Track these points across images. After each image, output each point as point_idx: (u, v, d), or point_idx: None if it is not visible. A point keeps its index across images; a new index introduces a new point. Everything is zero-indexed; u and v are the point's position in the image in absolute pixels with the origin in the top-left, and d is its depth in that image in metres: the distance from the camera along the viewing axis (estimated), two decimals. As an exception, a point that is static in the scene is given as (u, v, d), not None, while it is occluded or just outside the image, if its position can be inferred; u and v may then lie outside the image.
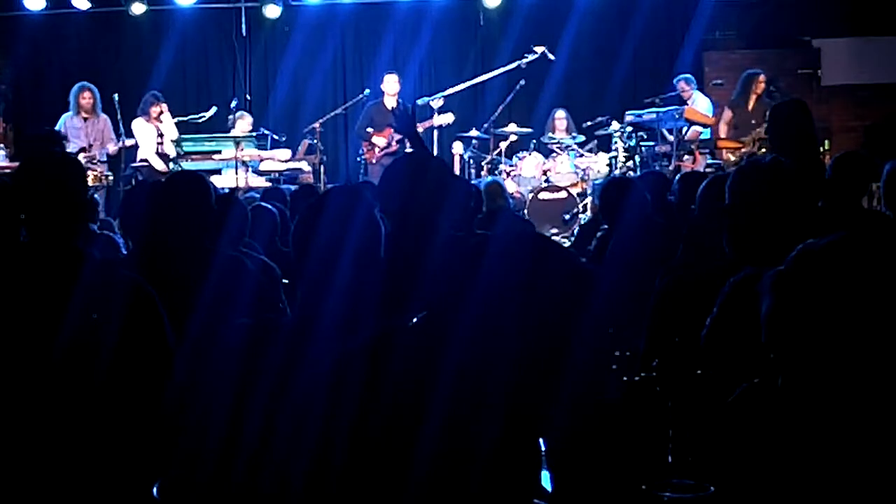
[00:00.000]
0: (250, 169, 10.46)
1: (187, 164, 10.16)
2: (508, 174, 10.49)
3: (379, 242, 2.30)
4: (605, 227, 5.23)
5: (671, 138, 10.24)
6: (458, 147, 10.90)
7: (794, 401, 1.82)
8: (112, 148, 10.04)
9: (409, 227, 3.01)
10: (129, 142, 10.00)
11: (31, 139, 6.38)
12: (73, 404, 2.61)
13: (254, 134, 10.98)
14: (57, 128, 9.91)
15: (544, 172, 10.64)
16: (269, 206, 5.36)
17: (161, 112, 10.08)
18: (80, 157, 8.50)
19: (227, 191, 6.13)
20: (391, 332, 2.21)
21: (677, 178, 5.28)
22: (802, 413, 1.81)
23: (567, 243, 7.29)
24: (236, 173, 10.12)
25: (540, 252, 3.03)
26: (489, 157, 10.77)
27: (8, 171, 9.17)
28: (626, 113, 10.70)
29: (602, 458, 3.01)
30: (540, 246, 3.13)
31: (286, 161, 10.77)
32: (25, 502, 2.62)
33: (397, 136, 10.39)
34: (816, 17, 12.28)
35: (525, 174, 10.57)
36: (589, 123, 10.94)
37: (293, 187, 8.19)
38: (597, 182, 10.04)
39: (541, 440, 2.97)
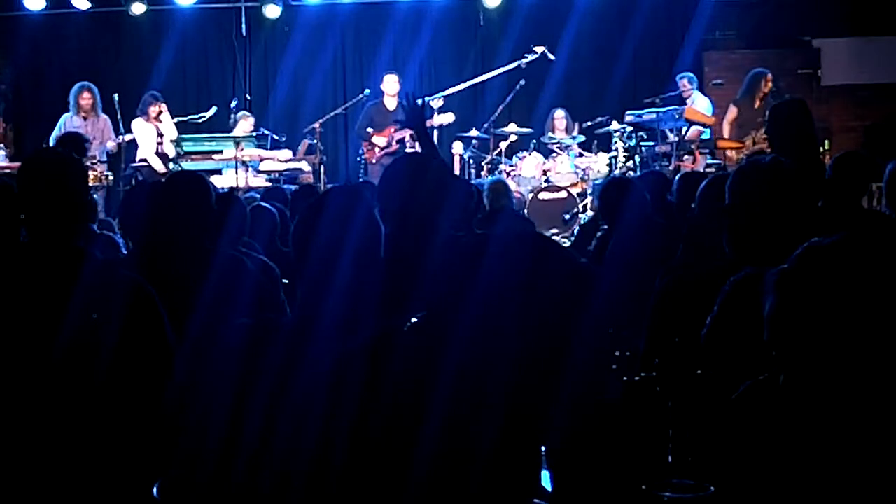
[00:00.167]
0: (250, 169, 10.46)
1: (187, 164, 10.16)
2: (508, 174, 10.49)
3: (379, 242, 2.30)
4: (605, 227, 5.23)
5: (673, 138, 10.24)
6: (458, 147, 10.90)
7: (796, 399, 1.82)
8: (111, 145, 10.04)
9: (409, 227, 3.01)
10: (127, 137, 10.00)
11: (58, 141, 6.40)
12: (73, 404, 2.61)
13: (254, 134, 10.99)
14: (57, 128, 9.93)
15: (544, 172, 10.64)
16: (269, 206, 5.36)
17: (160, 112, 10.08)
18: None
19: (225, 190, 6.11)
20: (391, 332, 2.21)
21: (677, 178, 5.27)
22: (805, 411, 1.81)
23: (567, 243, 7.29)
24: (236, 173, 10.12)
25: (540, 252, 3.03)
26: (489, 157, 10.77)
27: (8, 171, 9.18)
28: (626, 113, 10.71)
29: (602, 458, 3.01)
30: (540, 245, 3.13)
31: (286, 161, 10.78)
32: (25, 502, 2.62)
33: (397, 136, 10.39)
34: (816, 17, 12.28)
35: (525, 174, 10.57)
36: (589, 123, 10.95)
37: (293, 187, 8.19)
38: (597, 182, 10.04)
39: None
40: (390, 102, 10.58)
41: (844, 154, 5.04)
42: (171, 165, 9.86)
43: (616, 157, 10.50)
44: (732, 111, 10.11)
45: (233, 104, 11.31)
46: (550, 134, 11.13)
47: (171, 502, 2.36)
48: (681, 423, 2.75)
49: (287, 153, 10.93)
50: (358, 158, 10.89)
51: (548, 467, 3.12)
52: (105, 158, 9.98)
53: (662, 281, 3.45)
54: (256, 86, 12.67)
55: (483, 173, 10.63)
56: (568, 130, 11.18)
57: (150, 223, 3.74)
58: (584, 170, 10.64)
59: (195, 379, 2.43)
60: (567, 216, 9.95)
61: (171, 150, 10.10)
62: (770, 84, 10.00)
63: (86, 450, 2.61)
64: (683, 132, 10.34)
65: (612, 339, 2.88)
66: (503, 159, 10.80)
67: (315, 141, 10.69)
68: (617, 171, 10.27)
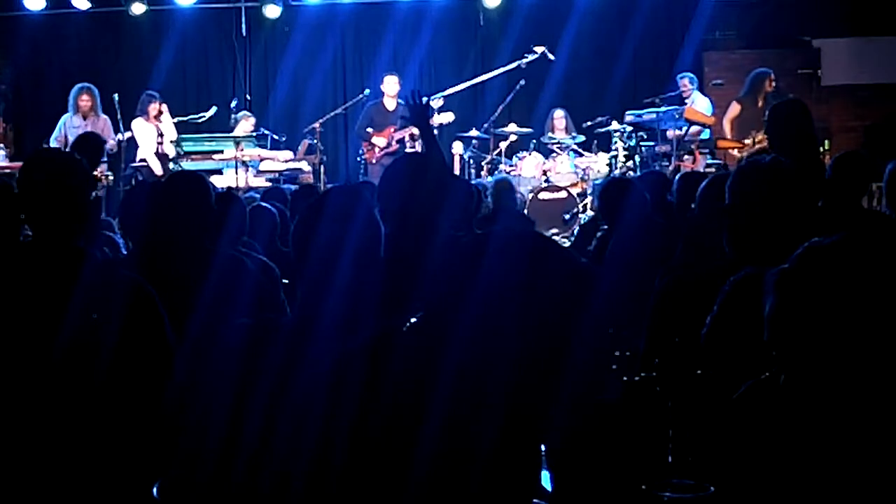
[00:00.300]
0: (250, 169, 10.46)
1: (187, 164, 10.16)
2: (508, 174, 10.49)
3: (379, 242, 2.30)
4: (605, 227, 5.23)
5: (678, 133, 10.23)
6: (458, 147, 10.90)
7: (796, 399, 1.82)
8: (111, 144, 10.03)
9: (409, 227, 3.02)
10: (126, 134, 10.00)
11: (77, 143, 6.41)
12: (73, 404, 2.61)
13: (254, 134, 10.99)
14: (57, 128, 9.92)
15: (544, 172, 10.64)
16: (269, 206, 5.36)
17: (160, 111, 10.08)
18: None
19: (223, 189, 6.11)
20: (391, 332, 2.21)
21: (677, 178, 5.27)
22: (805, 411, 1.81)
23: (567, 243, 7.29)
24: (236, 173, 10.12)
25: (540, 251, 3.03)
26: (489, 157, 10.78)
27: (8, 171, 9.18)
28: (626, 113, 10.71)
29: (602, 458, 3.01)
30: (540, 245, 3.13)
31: (286, 161, 10.78)
32: (26, 502, 2.62)
33: (397, 136, 10.40)
34: (816, 17, 12.28)
35: (525, 174, 10.57)
36: (589, 123, 10.95)
37: (293, 187, 8.19)
38: (597, 182, 10.04)
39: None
40: (390, 103, 10.58)
41: (844, 154, 5.04)
42: (172, 165, 9.86)
43: (616, 157, 10.50)
44: (735, 108, 10.07)
45: (233, 104, 11.31)
46: (550, 134, 11.13)
47: (171, 502, 2.36)
48: (681, 423, 2.75)
49: (287, 154, 10.93)
50: (358, 158, 10.89)
51: (548, 467, 3.12)
52: (105, 158, 9.97)
53: (662, 281, 3.45)
54: (256, 86, 12.67)
55: (483, 173, 10.63)
56: (568, 130, 11.18)
57: (150, 223, 3.74)
58: (584, 170, 10.64)
59: (195, 379, 2.43)
60: (567, 216, 9.95)
61: (171, 151, 10.09)
62: (773, 84, 9.99)
63: (86, 450, 2.61)
64: (683, 132, 10.34)
65: (612, 339, 2.88)
66: (503, 159, 10.80)
67: (315, 141, 10.69)
68: (617, 171, 10.27)
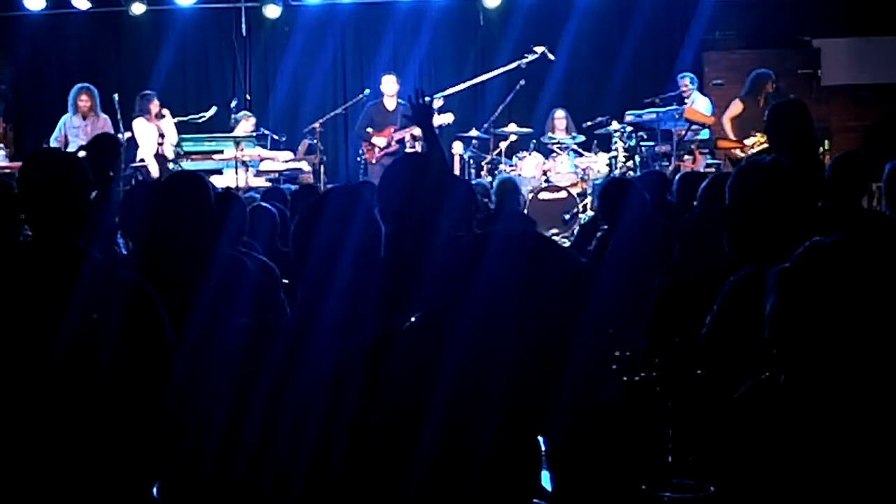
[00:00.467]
0: (250, 169, 10.46)
1: (187, 164, 10.16)
2: (509, 174, 10.50)
3: (379, 242, 2.30)
4: (605, 227, 5.23)
5: (681, 131, 10.22)
6: (458, 147, 10.90)
7: (797, 399, 1.82)
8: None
9: (409, 227, 3.01)
10: (127, 134, 9.99)
11: (93, 143, 6.41)
12: (73, 404, 2.61)
13: (254, 134, 10.99)
14: (57, 128, 9.92)
15: (544, 172, 10.64)
16: (269, 206, 5.36)
17: (159, 110, 10.08)
18: (80, 156, 8.49)
19: (223, 190, 6.10)
20: (391, 332, 2.21)
21: (677, 178, 5.28)
22: (806, 411, 1.81)
23: (567, 243, 7.29)
24: (236, 173, 10.12)
25: (540, 251, 3.03)
26: (489, 157, 10.77)
27: (8, 171, 9.18)
28: (626, 113, 10.71)
29: (602, 458, 3.01)
30: (540, 245, 3.13)
31: (286, 161, 10.78)
32: (25, 502, 2.62)
33: (397, 136, 10.40)
34: (816, 17, 12.28)
35: (525, 174, 10.57)
36: (589, 123, 10.95)
37: (293, 187, 8.19)
38: (597, 182, 10.04)
39: (541, 440, 2.96)
40: (390, 103, 10.58)
41: (844, 154, 5.04)
42: (171, 166, 9.85)
43: (616, 157, 10.50)
44: (738, 107, 10.00)
45: (233, 104, 11.31)
46: (550, 134, 11.13)
47: (171, 502, 2.36)
48: (681, 423, 2.75)
49: (288, 154, 10.94)
50: (358, 158, 10.89)
51: (548, 467, 3.12)
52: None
53: (662, 281, 3.45)
54: (256, 86, 12.67)
55: (483, 173, 10.63)
56: (568, 130, 11.18)
57: (150, 223, 3.74)
58: (584, 170, 10.64)
59: (195, 379, 2.43)
60: (567, 216, 9.96)
61: (170, 152, 10.09)
62: (773, 86, 9.98)
63: (86, 450, 2.61)
64: (684, 132, 10.34)
65: (612, 339, 2.88)
66: (503, 159, 10.80)
67: (315, 141, 10.69)
68: (617, 171, 10.27)
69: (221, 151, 10.70)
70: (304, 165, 10.87)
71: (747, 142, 9.55)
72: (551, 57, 10.91)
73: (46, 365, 2.59)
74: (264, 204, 5.51)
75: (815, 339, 1.78)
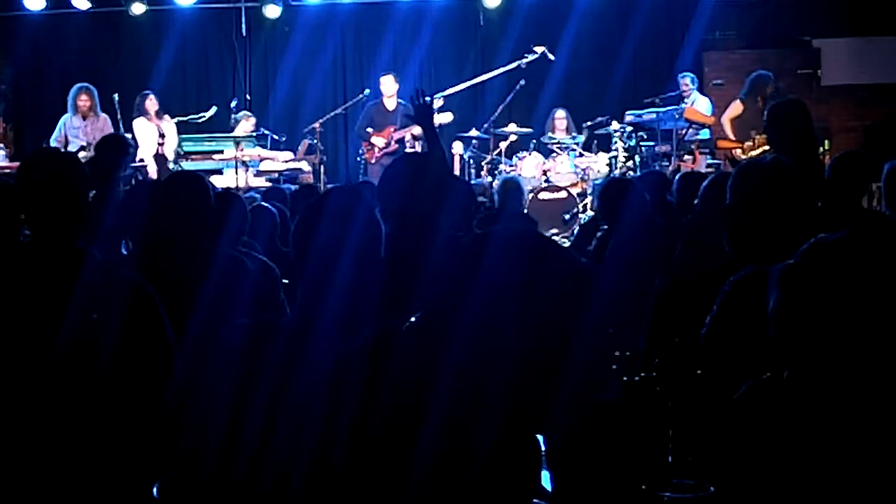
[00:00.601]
0: (250, 169, 10.46)
1: (187, 164, 10.16)
2: (509, 174, 10.50)
3: (379, 242, 2.30)
4: (605, 227, 5.23)
5: (681, 131, 10.22)
6: (458, 147, 10.90)
7: (799, 398, 1.82)
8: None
9: (410, 227, 3.01)
10: (127, 135, 9.99)
11: (103, 143, 6.42)
12: (73, 404, 2.61)
13: (254, 134, 10.99)
14: (57, 129, 9.92)
15: (544, 172, 10.64)
16: (269, 206, 5.36)
17: (157, 109, 10.08)
18: (80, 155, 8.50)
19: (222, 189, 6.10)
20: (391, 332, 2.21)
21: (677, 178, 5.28)
22: (808, 410, 1.81)
23: (567, 243, 7.29)
24: (236, 173, 10.12)
25: (540, 251, 3.03)
26: (489, 157, 10.77)
27: (8, 171, 9.17)
28: (626, 113, 10.71)
29: (602, 457, 3.01)
30: (540, 245, 3.13)
31: (286, 161, 10.79)
32: (25, 502, 2.62)
33: (396, 136, 10.40)
34: (816, 17, 12.28)
35: (525, 174, 10.57)
36: (589, 123, 10.95)
37: (293, 187, 8.19)
38: (597, 182, 10.04)
39: (541, 440, 2.97)
40: (390, 103, 10.59)
41: (844, 154, 5.04)
42: (172, 166, 9.85)
43: (616, 157, 10.50)
44: (738, 108, 9.95)
45: (233, 104, 11.31)
46: (550, 134, 11.13)
47: (171, 502, 2.36)
48: (681, 423, 2.75)
49: (287, 154, 10.94)
50: (358, 158, 10.89)
51: (548, 467, 3.12)
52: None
53: (662, 281, 3.45)
54: (256, 86, 12.67)
55: (483, 173, 10.63)
56: (569, 130, 11.18)
57: (150, 223, 3.74)
58: (584, 170, 10.64)
59: (195, 379, 2.43)
60: (567, 216, 9.95)
61: (170, 153, 10.09)
62: (773, 88, 9.94)
63: (86, 450, 2.61)
64: (684, 132, 10.34)
65: (612, 339, 2.88)
66: (503, 159, 10.80)
67: (315, 141, 10.69)
68: (617, 171, 10.27)
69: (221, 151, 10.70)
70: (304, 165, 10.86)
71: (748, 143, 9.53)
72: (551, 57, 10.91)
73: (46, 365, 2.59)
74: (264, 204, 5.51)
75: (818, 336, 1.78)
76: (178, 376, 2.71)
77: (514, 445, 2.51)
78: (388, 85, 10.57)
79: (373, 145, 10.50)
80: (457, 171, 10.54)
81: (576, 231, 8.44)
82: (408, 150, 10.13)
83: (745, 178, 2.93)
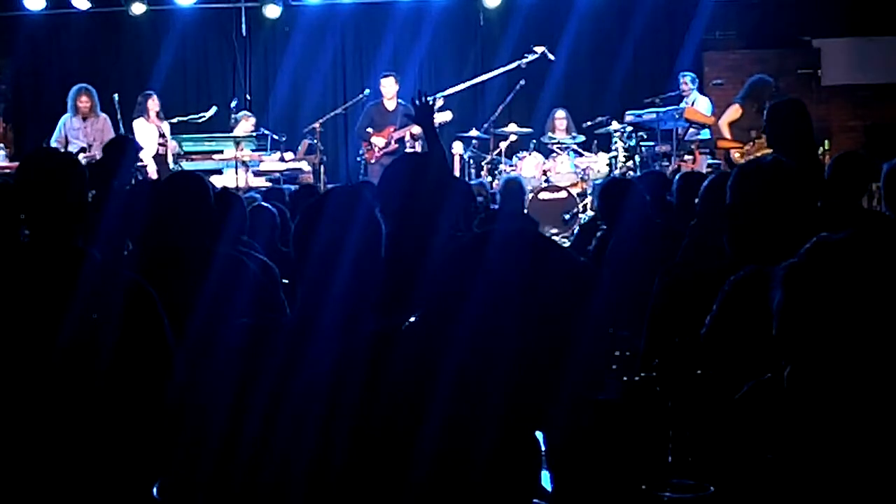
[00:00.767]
0: (250, 169, 10.46)
1: (187, 164, 10.16)
2: (509, 174, 10.49)
3: (379, 242, 2.30)
4: (605, 227, 5.23)
5: (681, 131, 10.22)
6: (458, 147, 10.91)
7: (801, 395, 1.82)
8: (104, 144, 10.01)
9: (410, 227, 3.01)
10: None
11: (108, 145, 6.43)
12: (73, 404, 2.61)
13: (254, 134, 10.99)
14: (57, 129, 9.92)
15: (544, 172, 10.64)
16: (269, 206, 5.36)
17: (158, 111, 10.08)
18: (81, 156, 8.50)
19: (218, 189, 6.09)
20: (391, 332, 2.21)
21: (677, 178, 5.28)
22: (810, 410, 1.80)
23: (567, 243, 7.29)
24: (236, 173, 10.12)
25: (540, 250, 3.03)
26: (489, 157, 10.78)
27: (8, 171, 9.17)
28: (626, 113, 10.71)
29: (602, 457, 3.01)
30: (540, 244, 3.13)
31: (286, 161, 10.79)
32: (26, 502, 2.62)
33: (396, 136, 10.40)
34: (816, 17, 12.28)
35: (525, 174, 10.57)
36: (589, 123, 10.95)
37: (293, 187, 8.19)
38: (597, 182, 10.04)
39: (541, 440, 2.97)
40: (390, 103, 10.59)
41: (844, 154, 5.04)
42: (172, 166, 9.85)
43: (616, 157, 10.50)
44: (736, 111, 9.93)
45: (233, 104, 11.32)
46: (550, 134, 11.13)
47: (171, 502, 2.36)
48: (681, 423, 2.75)
49: (289, 155, 10.95)
50: (358, 158, 10.89)
51: (548, 467, 3.12)
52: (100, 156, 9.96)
53: (662, 281, 3.45)
54: (256, 86, 12.67)
55: (483, 173, 10.64)
56: (569, 130, 11.18)
57: (151, 223, 3.74)
58: (584, 170, 10.65)
59: (195, 379, 2.43)
60: (567, 216, 9.96)
61: (170, 154, 10.10)
62: (772, 95, 9.89)
63: (86, 450, 2.61)
64: (684, 132, 10.34)
65: (612, 339, 2.88)
66: (503, 159, 10.80)
67: (315, 141, 10.69)
68: (617, 171, 10.27)
69: (221, 151, 10.70)
70: (304, 165, 10.87)
71: (749, 145, 9.52)
72: (551, 57, 10.92)
73: (46, 365, 2.59)
74: (264, 204, 5.51)
75: (821, 334, 1.77)
76: (178, 376, 2.71)
77: (513, 445, 2.51)
78: (389, 86, 10.58)
79: (373, 145, 10.50)
80: (457, 171, 10.54)
81: (576, 231, 8.44)
82: (408, 149, 10.13)
83: (746, 179, 2.93)
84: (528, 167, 10.64)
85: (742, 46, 12.69)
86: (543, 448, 3.00)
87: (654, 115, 10.42)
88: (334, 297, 2.19)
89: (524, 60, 10.84)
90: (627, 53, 11.97)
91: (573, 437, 2.99)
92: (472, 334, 2.37)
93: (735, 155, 9.62)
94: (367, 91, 11.19)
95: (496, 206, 7.68)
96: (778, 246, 2.52)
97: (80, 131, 9.86)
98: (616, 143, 10.55)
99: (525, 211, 9.71)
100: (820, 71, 12.45)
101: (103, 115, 10.08)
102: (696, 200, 4.10)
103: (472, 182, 9.09)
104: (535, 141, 10.93)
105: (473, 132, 10.92)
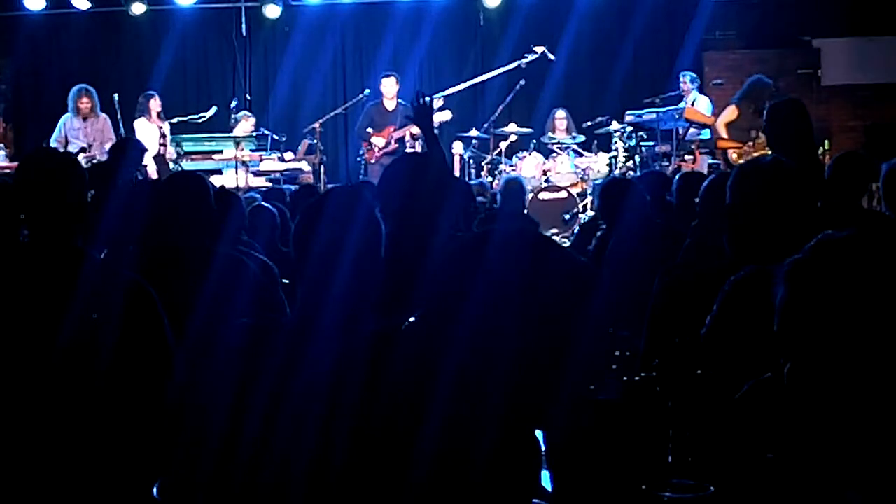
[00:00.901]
0: (250, 169, 10.46)
1: (187, 164, 10.16)
2: (509, 174, 10.49)
3: (379, 242, 2.30)
4: (605, 227, 5.23)
5: (681, 130, 10.23)
6: (458, 147, 10.91)
7: (801, 393, 1.82)
8: (109, 145, 10.02)
9: (410, 227, 3.01)
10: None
11: (114, 146, 6.44)
12: (73, 404, 2.61)
13: (254, 134, 10.99)
14: (57, 129, 9.91)
15: (544, 172, 10.64)
16: (269, 206, 5.37)
17: (160, 111, 10.08)
18: (80, 157, 8.50)
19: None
20: (391, 332, 2.21)
21: (677, 178, 5.28)
22: (811, 407, 1.80)
23: (567, 243, 7.29)
24: (236, 173, 10.12)
25: (540, 249, 3.03)
26: (489, 157, 10.78)
27: (8, 171, 9.17)
28: (626, 113, 10.71)
29: (602, 457, 3.01)
30: (540, 244, 3.13)
31: (286, 161, 10.79)
32: (26, 502, 2.62)
33: (396, 136, 10.40)
34: (816, 17, 12.29)
35: (525, 174, 10.57)
36: (589, 123, 10.95)
37: (293, 187, 8.20)
38: (597, 182, 10.05)
39: (541, 440, 2.97)
40: (390, 103, 10.59)
41: (844, 154, 5.04)
42: (172, 166, 9.85)
43: (616, 157, 10.50)
44: (732, 112, 9.94)
45: (233, 104, 11.32)
46: (550, 134, 11.14)
47: (171, 502, 2.36)
48: (681, 423, 2.75)
49: (289, 155, 10.95)
50: (358, 158, 10.89)
51: (548, 467, 3.12)
52: (105, 158, 9.95)
53: (662, 281, 3.45)
54: (256, 86, 12.68)
55: (483, 173, 10.64)
56: (569, 130, 11.19)
57: (151, 223, 3.74)
58: (584, 170, 10.65)
59: (195, 379, 2.43)
60: (567, 216, 9.96)
61: (171, 154, 10.09)
62: (771, 96, 9.89)
63: (86, 450, 2.61)
64: (683, 133, 10.34)
65: (612, 339, 2.88)
66: (503, 159, 10.81)
67: (315, 141, 10.69)
68: (617, 171, 10.28)
69: (221, 151, 10.70)
70: (304, 165, 10.87)
71: (749, 144, 9.52)
72: (551, 57, 10.92)
73: (46, 365, 2.59)
74: (264, 204, 5.51)
75: (823, 331, 1.77)
76: (179, 376, 2.71)
77: (513, 445, 2.51)
78: (390, 87, 10.58)
79: (373, 145, 10.50)
80: (457, 172, 10.54)
81: (576, 231, 8.44)
82: (408, 149, 10.13)
83: (745, 179, 2.93)
84: (528, 167, 10.64)
85: (742, 46, 12.69)
86: (543, 448, 3.00)
87: (654, 115, 10.43)
88: (334, 297, 2.19)
89: (524, 60, 10.84)
90: (627, 53, 11.97)
91: (573, 437, 2.99)
92: (472, 334, 2.37)
93: (733, 155, 9.62)
94: (367, 91, 11.19)
95: (497, 206, 7.68)
96: (778, 246, 2.52)
97: (80, 131, 9.86)
98: (616, 143, 10.55)
99: (525, 211, 9.73)
100: (820, 71, 12.45)
101: (103, 116, 10.08)
102: (697, 200, 4.10)
103: (473, 182, 9.10)
104: (535, 141, 10.93)
105: (473, 132, 10.92)
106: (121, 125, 10.01)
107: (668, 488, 2.54)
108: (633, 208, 4.74)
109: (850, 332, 1.75)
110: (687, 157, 10.16)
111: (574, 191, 10.27)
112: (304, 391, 2.10)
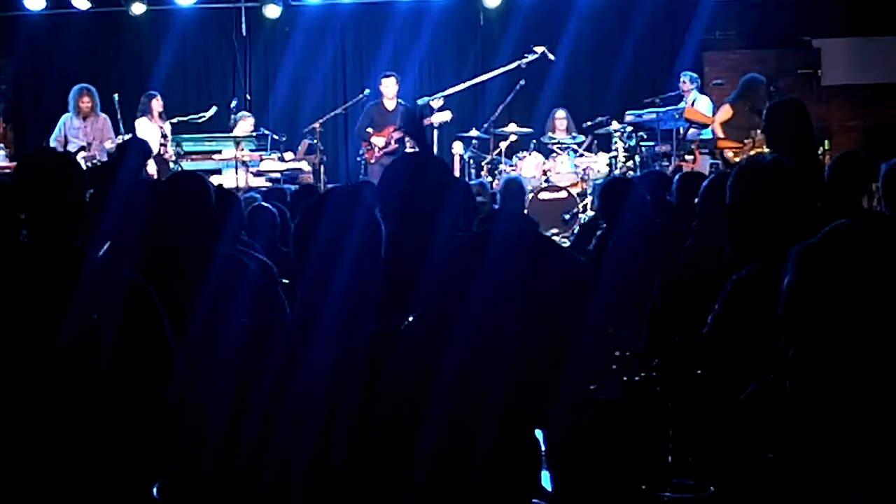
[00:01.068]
0: (250, 169, 10.46)
1: (187, 164, 10.16)
2: (509, 174, 10.49)
3: (379, 242, 2.30)
4: (605, 226, 5.23)
5: (681, 130, 10.23)
6: (458, 147, 10.91)
7: (804, 381, 1.81)
8: (110, 145, 10.02)
9: (409, 227, 3.01)
10: (127, 137, 9.98)
11: (118, 147, 6.45)
12: (73, 404, 2.61)
13: (254, 134, 10.99)
14: (57, 128, 9.91)
15: (544, 172, 10.64)
16: (269, 206, 5.37)
17: (161, 111, 10.08)
18: (80, 156, 8.50)
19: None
20: (391, 332, 2.21)
21: (677, 178, 5.28)
22: (812, 404, 1.80)
23: (567, 243, 7.29)
24: (236, 173, 10.12)
25: (540, 249, 3.03)
26: (489, 157, 10.78)
27: (8, 171, 9.17)
28: (626, 113, 10.71)
29: (602, 457, 3.01)
30: (540, 244, 3.13)
31: (286, 161, 10.79)
32: (26, 502, 2.62)
33: (396, 136, 10.41)
34: (816, 17, 12.29)
35: (525, 174, 10.57)
36: (589, 123, 10.95)
37: (293, 187, 8.20)
38: (597, 182, 10.05)
39: (541, 440, 2.97)
40: (389, 103, 10.59)
41: (844, 154, 5.04)
42: (172, 166, 9.85)
43: (616, 157, 10.50)
44: (727, 112, 9.94)
45: (233, 104, 11.32)
46: (550, 134, 11.13)
47: (171, 502, 2.36)
48: (681, 423, 2.75)
49: (289, 155, 10.94)
50: (358, 158, 10.89)
51: (548, 467, 3.12)
52: (105, 158, 9.96)
53: (662, 280, 3.45)
54: (256, 86, 12.67)
55: (483, 173, 10.64)
56: (569, 130, 11.19)
57: (151, 223, 3.74)
58: (584, 170, 10.65)
59: (195, 379, 2.43)
60: (567, 216, 9.96)
61: (171, 154, 10.09)
62: (766, 92, 9.89)
63: (86, 450, 2.61)
64: (683, 133, 10.34)
65: (612, 339, 2.88)
66: (503, 159, 10.80)
67: (315, 141, 10.69)
68: (617, 171, 10.27)
69: (221, 151, 10.70)
70: (304, 165, 10.87)
71: (746, 141, 9.52)
72: (551, 57, 10.92)
73: (46, 365, 2.59)
74: (264, 204, 5.51)
75: (829, 318, 1.76)
76: (179, 376, 2.71)
77: (513, 445, 2.51)
78: (390, 87, 10.58)
79: (373, 145, 10.50)
80: (457, 172, 10.53)
81: (576, 231, 8.44)
82: (408, 149, 10.13)
83: (745, 179, 2.93)
84: (528, 167, 10.63)
85: (742, 46, 12.69)
86: (543, 448, 3.00)
87: (654, 115, 10.43)
88: (334, 297, 2.19)
89: (524, 60, 10.84)
90: (627, 53, 11.97)
91: (573, 437, 2.99)
92: (472, 334, 2.37)
93: (729, 154, 9.63)
94: (367, 91, 11.19)
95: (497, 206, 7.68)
96: (777, 246, 2.52)
97: (80, 130, 9.86)
98: (616, 143, 10.55)
99: (525, 211, 9.73)
100: (820, 71, 12.45)
101: (103, 115, 10.08)
102: (697, 200, 4.10)
103: (473, 182, 9.10)
104: (535, 141, 10.93)
105: (473, 132, 10.91)
106: (121, 125, 10.01)
107: (668, 488, 2.54)
108: (633, 208, 4.74)
109: (854, 322, 1.75)
110: (687, 157, 10.16)
111: (574, 191, 10.26)
112: (304, 391, 2.10)
